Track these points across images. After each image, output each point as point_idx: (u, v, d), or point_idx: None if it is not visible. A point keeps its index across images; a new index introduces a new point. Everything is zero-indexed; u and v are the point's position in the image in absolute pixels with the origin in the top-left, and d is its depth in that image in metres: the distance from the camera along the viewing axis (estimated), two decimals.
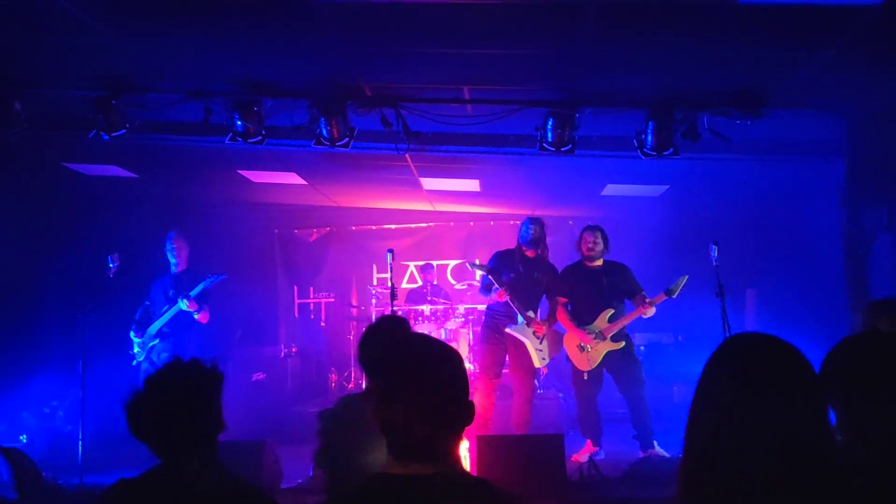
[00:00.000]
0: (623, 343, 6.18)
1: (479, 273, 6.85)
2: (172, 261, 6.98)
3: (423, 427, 1.64)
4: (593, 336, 6.15)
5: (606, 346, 6.14)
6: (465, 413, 1.70)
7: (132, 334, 6.88)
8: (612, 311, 6.21)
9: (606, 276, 6.32)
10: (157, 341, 6.83)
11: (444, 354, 1.72)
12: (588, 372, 6.17)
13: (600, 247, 6.29)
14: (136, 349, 6.90)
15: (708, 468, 1.53)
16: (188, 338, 6.87)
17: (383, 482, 1.68)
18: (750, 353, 1.61)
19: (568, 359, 6.28)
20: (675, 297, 6.11)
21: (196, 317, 6.78)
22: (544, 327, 6.36)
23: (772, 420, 1.49)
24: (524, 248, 6.43)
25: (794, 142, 6.30)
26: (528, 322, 6.29)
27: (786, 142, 6.27)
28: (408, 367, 1.70)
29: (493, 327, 6.51)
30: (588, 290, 6.29)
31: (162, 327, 6.83)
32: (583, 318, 6.24)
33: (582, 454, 6.20)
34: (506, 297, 6.22)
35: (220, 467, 2.25)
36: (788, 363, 1.57)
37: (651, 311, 6.09)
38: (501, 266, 6.49)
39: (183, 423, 2.19)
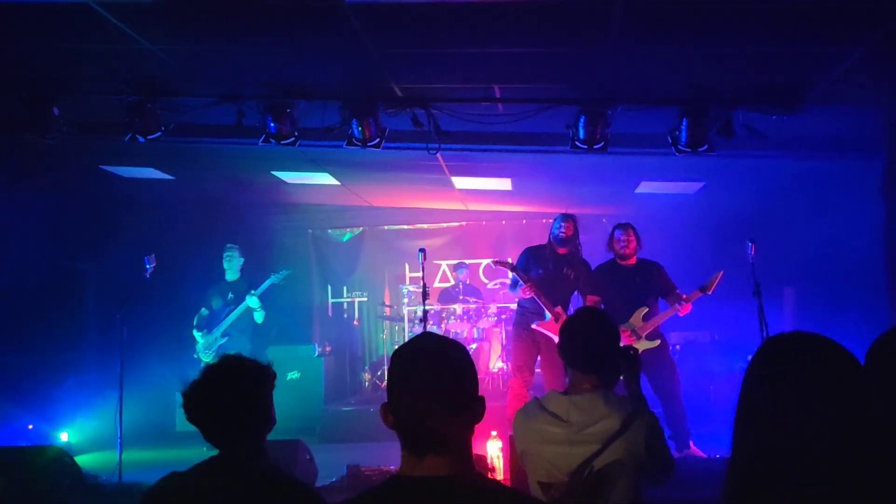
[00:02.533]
0: (658, 341, 6.11)
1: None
2: (229, 268, 7.51)
3: (434, 417, 1.63)
4: (628, 335, 6.09)
5: (642, 345, 6.07)
6: (474, 405, 1.69)
7: (197, 334, 7.40)
8: (647, 310, 6.14)
9: (639, 275, 6.24)
10: (224, 340, 7.34)
11: (450, 347, 1.73)
12: None
13: (633, 245, 6.22)
14: (199, 349, 7.39)
15: (758, 472, 1.48)
16: (248, 337, 7.45)
17: (399, 484, 1.67)
18: (798, 352, 1.54)
19: None
20: (710, 293, 6.03)
21: (260, 314, 7.34)
22: None
23: (824, 422, 1.43)
24: (555, 245, 6.40)
25: (833, 138, 6.17)
26: (556, 318, 6.21)
27: (824, 138, 6.15)
28: (415, 359, 1.70)
29: (522, 324, 6.49)
30: (621, 289, 6.22)
31: (228, 328, 7.33)
32: (617, 317, 6.16)
33: None
34: (531, 293, 6.18)
35: (268, 460, 2.35)
36: (837, 362, 1.51)
37: (687, 309, 6.03)
38: (531, 261, 6.47)
39: (237, 413, 2.30)
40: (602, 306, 6.26)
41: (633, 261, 6.28)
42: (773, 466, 1.46)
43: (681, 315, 6.09)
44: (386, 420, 1.70)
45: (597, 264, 6.49)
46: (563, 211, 10.21)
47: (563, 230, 6.37)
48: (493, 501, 1.65)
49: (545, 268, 6.37)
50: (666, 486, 5.00)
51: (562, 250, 6.39)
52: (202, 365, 7.11)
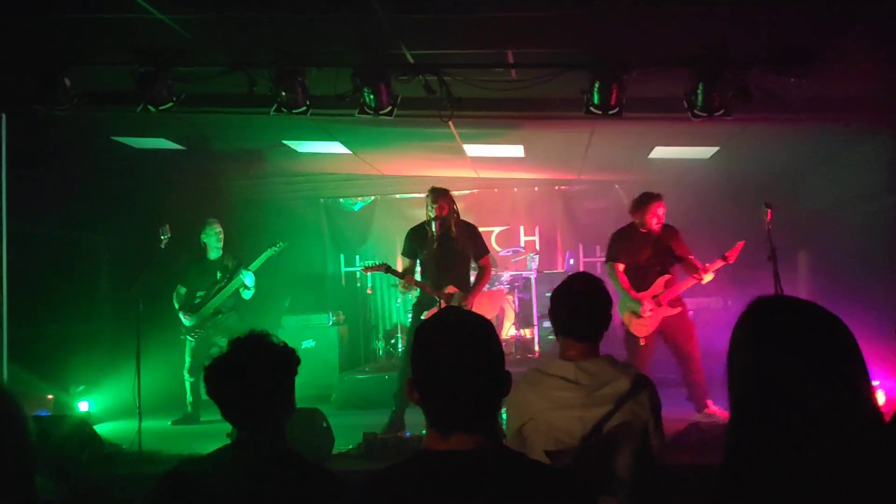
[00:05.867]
0: (679, 309, 6.10)
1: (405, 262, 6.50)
2: (217, 245, 7.45)
3: (464, 395, 1.64)
4: (650, 302, 6.08)
5: (663, 312, 6.08)
6: (503, 381, 1.70)
7: (183, 316, 7.36)
8: (670, 277, 6.12)
9: (660, 241, 6.20)
10: (217, 317, 7.35)
11: (478, 323, 1.73)
12: (646, 337, 6.11)
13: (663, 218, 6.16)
14: (188, 329, 7.39)
15: (752, 435, 1.51)
16: (237, 314, 7.50)
17: (425, 459, 1.67)
18: (780, 314, 1.58)
19: (623, 324, 6.22)
20: (731, 262, 6.00)
21: (249, 292, 7.32)
22: (469, 298, 6.16)
23: (812, 384, 1.46)
24: (434, 225, 6.13)
25: (850, 100, 6.07)
26: (448, 299, 6.08)
27: (841, 100, 6.05)
28: (443, 337, 1.70)
29: (415, 317, 6.43)
30: (643, 256, 6.20)
31: (220, 305, 7.35)
32: (638, 284, 6.16)
33: None
34: (413, 285, 6.12)
35: (288, 445, 2.31)
36: (820, 322, 1.54)
37: (708, 277, 5.99)
38: (416, 244, 6.31)
39: (261, 392, 2.25)
40: (625, 273, 6.23)
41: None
42: (764, 431, 1.49)
43: (702, 283, 6.06)
44: (412, 396, 1.70)
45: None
46: (575, 177, 10.20)
47: (434, 210, 6.11)
48: (520, 474, 1.65)
49: (430, 249, 6.17)
50: (680, 451, 5.03)
51: (442, 227, 6.13)
52: (188, 344, 7.28)
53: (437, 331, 1.72)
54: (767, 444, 1.47)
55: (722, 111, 5.44)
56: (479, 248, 6.41)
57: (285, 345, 2.35)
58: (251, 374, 2.24)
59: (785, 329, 1.54)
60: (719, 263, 5.98)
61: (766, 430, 1.48)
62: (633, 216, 6.30)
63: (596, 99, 5.49)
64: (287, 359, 2.33)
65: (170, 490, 2.17)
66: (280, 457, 2.26)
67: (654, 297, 6.10)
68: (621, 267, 6.25)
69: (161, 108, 5.70)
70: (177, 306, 7.41)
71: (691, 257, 6.18)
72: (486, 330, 1.72)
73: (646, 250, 6.20)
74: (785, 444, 1.45)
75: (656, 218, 6.13)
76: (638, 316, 6.11)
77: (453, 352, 1.65)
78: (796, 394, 1.46)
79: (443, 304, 6.00)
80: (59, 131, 6.95)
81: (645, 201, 6.20)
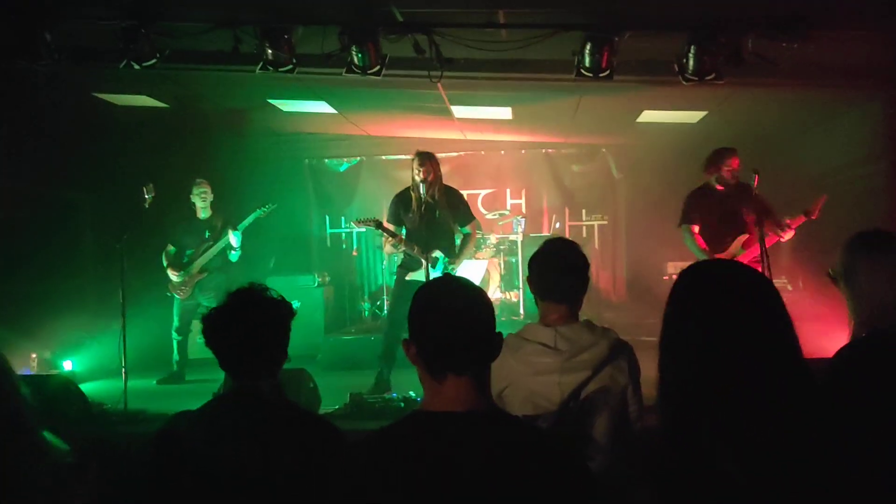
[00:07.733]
0: (759, 269, 5.96)
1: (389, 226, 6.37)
2: (203, 205, 7.39)
3: (457, 355, 1.69)
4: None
5: None
6: (495, 341, 1.76)
7: (171, 273, 7.32)
8: (747, 237, 5.96)
9: (735, 200, 5.97)
10: (203, 276, 7.33)
11: (472, 285, 1.82)
12: None
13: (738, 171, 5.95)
14: (174, 286, 7.35)
15: (683, 395, 1.56)
16: (224, 273, 7.41)
17: (419, 420, 1.71)
18: (715, 279, 1.64)
19: None
20: (814, 217, 5.73)
21: (235, 254, 7.28)
22: (454, 262, 6.18)
23: (743, 343, 1.52)
24: (420, 189, 6.05)
25: (843, 66, 6.05)
26: (433, 263, 6.04)
27: (833, 66, 6.03)
28: (441, 292, 1.79)
29: (400, 277, 6.37)
30: (719, 215, 6.01)
31: (206, 264, 7.32)
32: (714, 245, 5.99)
33: None
34: (401, 245, 6.10)
35: (285, 395, 2.38)
36: (748, 282, 1.61)
37: (790, 235, 5.77)
38: (401, 209, 6.26)
39: (260, 341, 2.29)
40: (701, 236, 6.06)
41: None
42: (695, 390, 1.54)
43: (783, 241, 5.85)
44: (409, 352, 1.75)
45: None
46: (563, 140, 10.15)
47: (421, 174, 6.01)
48: (512, 436, 1.68)
49: (416, 214, 6.12)
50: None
51: (428, 192, 6.06)
52: (176, 304, 7.27)
53: (438, 290, 1.82)
54: (707, 407, 1.51)
55: (713, 75, 5.42)
56: (464, 213, 6.36)
57: (280, 296, 2.40)
58: (250, 322, 2.28)
59: (712, 293, 1.60)
60: (801, 219, 5.72)
61: (703, 393, 1.53)
62: (708, 173, 6.07)
63: (587, 61, 5.45)
64: (283, 305, 2.38)
65: (166, 446, 2.18)
66: (281, 406, 2.30)
67: (732, 257, 5.91)
68: (696, 228, 6.06)
69: (144, 64, 5.60)
70: (165, 264, 7.37)
71: (774, 214, 5.89)
72: (480, 291, 1.80)
73: (722, 209, 5.98)
74: (722, 405, 1.49)
75: (732, 171, 5.91)
76: None
77: (453, 303, 1.73)
78: (731, 356, 1.51)
79: (431, 266, 5.99)
80: (40, 87, 6.81)
81: (721, 155, 5.97)
